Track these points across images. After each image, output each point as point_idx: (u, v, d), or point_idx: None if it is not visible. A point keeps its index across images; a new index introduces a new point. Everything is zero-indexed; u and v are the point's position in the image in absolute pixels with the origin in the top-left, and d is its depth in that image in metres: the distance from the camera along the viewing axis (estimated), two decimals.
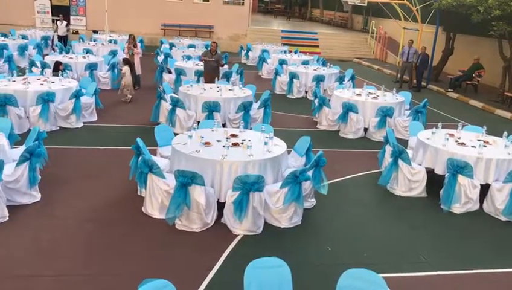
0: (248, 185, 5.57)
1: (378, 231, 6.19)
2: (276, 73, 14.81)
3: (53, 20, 19.62)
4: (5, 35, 18.44)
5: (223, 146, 6.33)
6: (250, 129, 8.37)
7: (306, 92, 14.29)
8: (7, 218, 5.64)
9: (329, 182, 6.78)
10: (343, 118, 10.30)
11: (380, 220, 6.53)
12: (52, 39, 19.91)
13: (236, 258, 5.20)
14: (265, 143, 6.50)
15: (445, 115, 13.00)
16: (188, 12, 25.38)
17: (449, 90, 16.51)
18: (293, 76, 14.07)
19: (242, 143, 6.58)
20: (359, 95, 11.02)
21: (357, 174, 8.08)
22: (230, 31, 26.04)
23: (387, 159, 7.70)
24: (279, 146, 6.66)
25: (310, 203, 6.57)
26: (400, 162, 7.25)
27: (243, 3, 26.33)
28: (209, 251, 5.34)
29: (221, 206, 5.95)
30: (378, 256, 5.53)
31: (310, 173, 6.10)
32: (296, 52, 19.47)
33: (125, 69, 11.87)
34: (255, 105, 10.35)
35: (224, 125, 9.55)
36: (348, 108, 10.26)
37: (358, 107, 10.31)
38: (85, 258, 5.08)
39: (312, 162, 6.23)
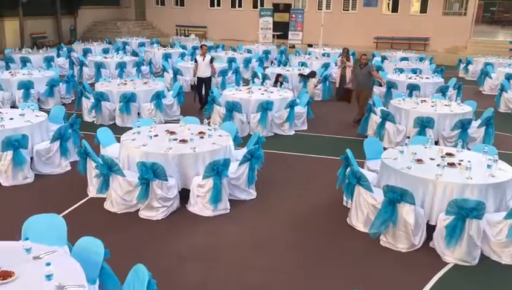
0: (465, 211, 5.06)
1: None
2: (502, 89, 13.15)
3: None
4: (234, 50, 20.95)
5: (437, 165, 5.92)
6: (468, 149, 7.62)
7: None
8: (228, 210, 6.36)
9: None
10: None
11: None
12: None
13: (446, 289, 4.78)
14: (489, 166, 5.83)
15: None
16: (403, 25, 24.66)
17: None
18: None
19: (460, 164, 6.03)
20: None
21: None
22: (448, 43, 24.29)
23: None
24: (504, 171, 5.89)
25: None
26: None
27: (465, 14, 24.31)
28: (415, 274, 5.03)
29: (430, 228, 5.57)
30: None
31: None
32: None
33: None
34: (475, 123, 9.40)
35: (436, 143, 8.92)
36: None
37: None
38: (291, 258, 5.35)
39: None
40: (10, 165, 7.01)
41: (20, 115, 7.99)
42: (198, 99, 11.92)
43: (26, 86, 11.53)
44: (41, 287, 3.23)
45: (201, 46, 12.11)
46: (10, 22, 23.01)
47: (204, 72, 11.68)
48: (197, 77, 11.76)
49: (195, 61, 11.77)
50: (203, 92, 11.85)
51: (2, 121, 7.52)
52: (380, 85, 13.36)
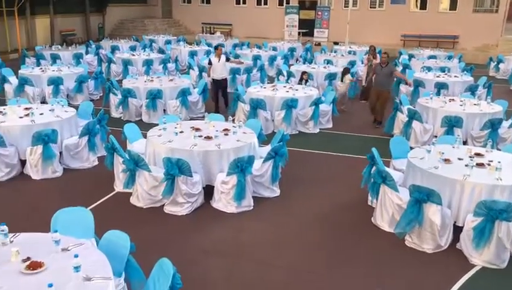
0: (494, 212, 4.94)
1: None
2: None
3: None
4: (259, 47, 20.94)
5: (466, 165, 5.79)
6: (498, 150, 7.43)
7: None
8: (252, 207, 6.37)
9: None
10: None
11: None
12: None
13: None
14: None
15: None
16: (431, 22, 24.21)
17: None
18: None
19: (489, 164, 5.89)
20: None
21: None
22: (478, 41, 23.72)
23: None
24: None
25: None
26: None
27: (496, 11, 23.70)
28: (441, 276, 4.95)
29: (456, 229, 5.45)
30: None
31: None
32: None
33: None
34: (506, 123, 9.15)
35: (465, 143, 8.74)
36: None
37: None
38: (314, 257, 5.32)
39: None
40: (40, 159, 7.20)
41: (50, 110, 8.20)
42: (215, 102, 11.48)
43: (55, 82, 11.82)
44: (70, 278, 3.31)
45: (216, 48, 11.56)
46: (41, 19, 23.59)
47: (220, 73, 11.25)
48: (213, 79, 11.30)
49: (210, 62, 11.30)
50: (220, 95, 11.45)
51: (33, 116, 7.71)
52: (407, 84, 13.15)
